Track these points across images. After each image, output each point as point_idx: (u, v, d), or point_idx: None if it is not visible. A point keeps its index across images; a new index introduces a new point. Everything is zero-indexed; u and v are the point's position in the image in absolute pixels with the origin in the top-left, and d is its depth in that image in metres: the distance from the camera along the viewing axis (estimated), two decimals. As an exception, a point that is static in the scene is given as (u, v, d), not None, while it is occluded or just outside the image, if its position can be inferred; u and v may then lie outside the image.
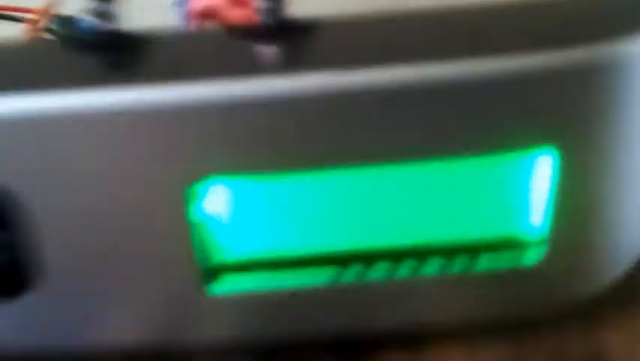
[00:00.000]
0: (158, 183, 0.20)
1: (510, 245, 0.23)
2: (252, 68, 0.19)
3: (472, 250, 0.23)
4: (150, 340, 0.23)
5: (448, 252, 0.23)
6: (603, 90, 0.20)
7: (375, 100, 0.19)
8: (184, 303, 0.23)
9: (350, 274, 0.23)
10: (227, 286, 0.23)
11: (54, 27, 0.22)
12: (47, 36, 0.22)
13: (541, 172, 0.22)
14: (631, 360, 0.23)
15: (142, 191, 0.20)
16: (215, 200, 0.22)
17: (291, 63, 0.20)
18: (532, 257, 0.23)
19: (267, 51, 0.20)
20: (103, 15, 0.20)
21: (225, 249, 0.23)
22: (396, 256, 0.23)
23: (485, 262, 0.23)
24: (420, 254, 0.23)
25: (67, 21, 0.22)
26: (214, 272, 0.23)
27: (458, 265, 0.23)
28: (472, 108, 0.20)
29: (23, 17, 0.23)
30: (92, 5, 0.19)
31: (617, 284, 0.24)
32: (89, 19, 0.20)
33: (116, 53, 0.20)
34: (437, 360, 0.23)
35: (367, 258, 0.23)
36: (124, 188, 0.20)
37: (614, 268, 0.24)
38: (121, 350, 0.24)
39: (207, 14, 0.22)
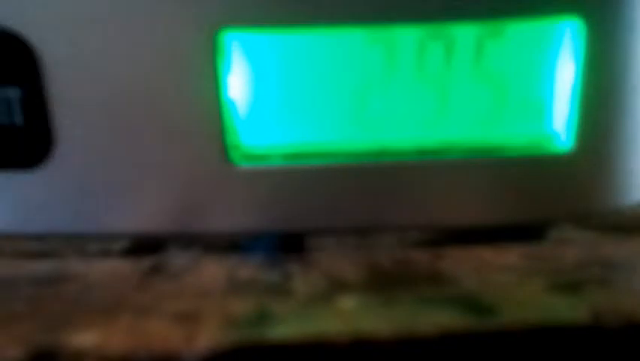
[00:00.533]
0: (180, 30, 0.20)
1: (537, 137, 0.22)
2: None
3: (496, 141, 0.22)
4: (172, 220, 0.22)
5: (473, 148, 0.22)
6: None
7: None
8: (207, 176, 0.22)
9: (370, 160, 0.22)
10: (250, 158, 0.22)
11: None
12: None
13: (566, 58, 0.22)
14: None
15: (161, 40, 0.20)
16: (239, 79, 0.22)
17: None
18: (559, 150, 0.22)
19: None
20: None
21: (250, 127, 0.22)
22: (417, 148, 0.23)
23: (511, 152, 0.22)
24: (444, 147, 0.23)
25: None
26: (235, 144, 0.22)
27: (483, 154, 0.22)
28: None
29: None
30: None
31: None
32: None
33: None
34: (460, 256, 0.22)
35: (388, 149, 0.23)
36: (144, 35, 0.20)
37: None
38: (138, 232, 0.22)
39: None
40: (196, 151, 0.21)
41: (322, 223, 0.22)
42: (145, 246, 0.23)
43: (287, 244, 0.22)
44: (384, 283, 0.19)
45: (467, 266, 0.20)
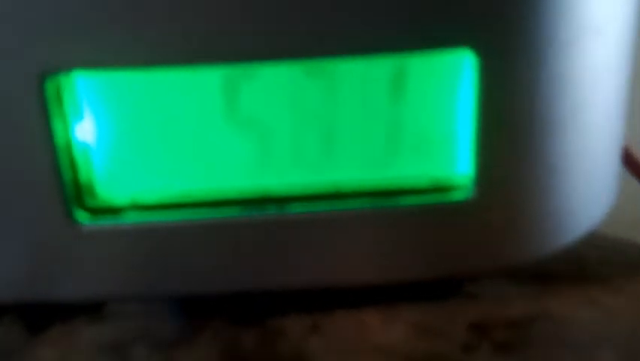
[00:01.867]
0: (8, 74, 0.17)
1: (434, 183, 0.19)
2: None
3: (393, 187, 0.20)
4: (14, 286, 0.20)
5: (366, 192, 0.19)
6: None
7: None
8: (49, 236, 0.19)
9: (247, 213, 0.19)
10: (99, 217, 0.19)
11: None
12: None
13: (461, 94, 0.19)
14: (568, 327, 0.18)
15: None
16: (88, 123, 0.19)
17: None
18: (459, 196, 0.19)
19: None
20: None
21: (101, 177, 0.19)
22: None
23: (408, 200, 0.19)
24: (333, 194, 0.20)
25: None
26: (83, 198, 0.19)
27: (375, 202, 0.19)
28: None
29: None
30: None
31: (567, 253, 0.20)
32: None
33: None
34: (345, 326, 0.19)
35: (269, 197, 0.20)
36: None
37: (562, 229, 0.20)
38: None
39: None
40: (37, 212, 0.19)
41: (189, 288, 0.19)
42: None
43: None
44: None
45: (339, 346, 0.17)
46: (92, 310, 0.20)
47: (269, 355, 0.17)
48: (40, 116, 0.18)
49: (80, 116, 0.19)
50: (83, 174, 0.19)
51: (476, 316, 0.19)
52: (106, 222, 0.19)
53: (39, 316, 0.20)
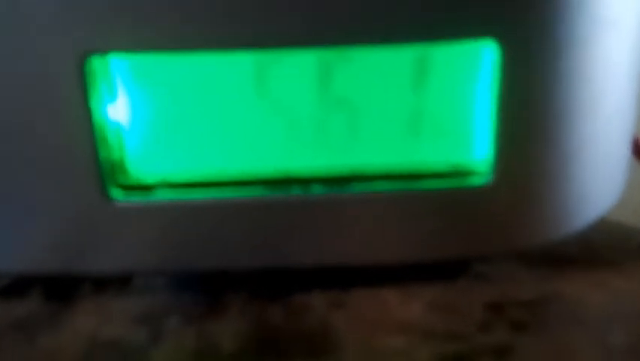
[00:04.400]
0: (50, 54, 0.18)
1: (454, 167, 0.20)
2: None
3: (413, 171, 0.20)
4: (52, 259, 0.20)
5: (386, 175, 0.20)
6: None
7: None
8: (84, 211, 0.20)
9: (273, 193, 0.20)
10: (132, 194, 0.20)
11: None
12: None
13: (483, 83, 0.19)
14: (580, 308, 0.19)
15: (31, 63, 0.18)
16: (121, 103, 0.19)
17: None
18: (477, 181, 0.20)
19: None
20: None
21: (132, 156, 0.20)
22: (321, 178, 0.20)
23: (427, 183, 0.20)
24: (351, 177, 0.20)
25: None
26: (116, 176, 0.20)
27: (395, 185, 0.20)
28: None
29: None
30: None
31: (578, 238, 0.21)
32: None
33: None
34: (367, 303, 0.20)
35: (294, 178, 0.20)
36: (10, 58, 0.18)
37: (574, 214, 0.21)
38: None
39: None
40: (74, 188, 0.19)
41: (216, 263, 0.20)
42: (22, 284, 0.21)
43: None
44: (268, 346, 0.17)
45: (360, 324, 0.18)
46: (119, 283, 0.21)
47: (296, 328, 0.18)
48: (79, 96, 0.18)
49: (114, 96, 0.19)
50: (116, 153, 0.20)
51: (490, 296, 0.20)
52: (138, 199, 0.20)
53: (67, 288, 0.21)
